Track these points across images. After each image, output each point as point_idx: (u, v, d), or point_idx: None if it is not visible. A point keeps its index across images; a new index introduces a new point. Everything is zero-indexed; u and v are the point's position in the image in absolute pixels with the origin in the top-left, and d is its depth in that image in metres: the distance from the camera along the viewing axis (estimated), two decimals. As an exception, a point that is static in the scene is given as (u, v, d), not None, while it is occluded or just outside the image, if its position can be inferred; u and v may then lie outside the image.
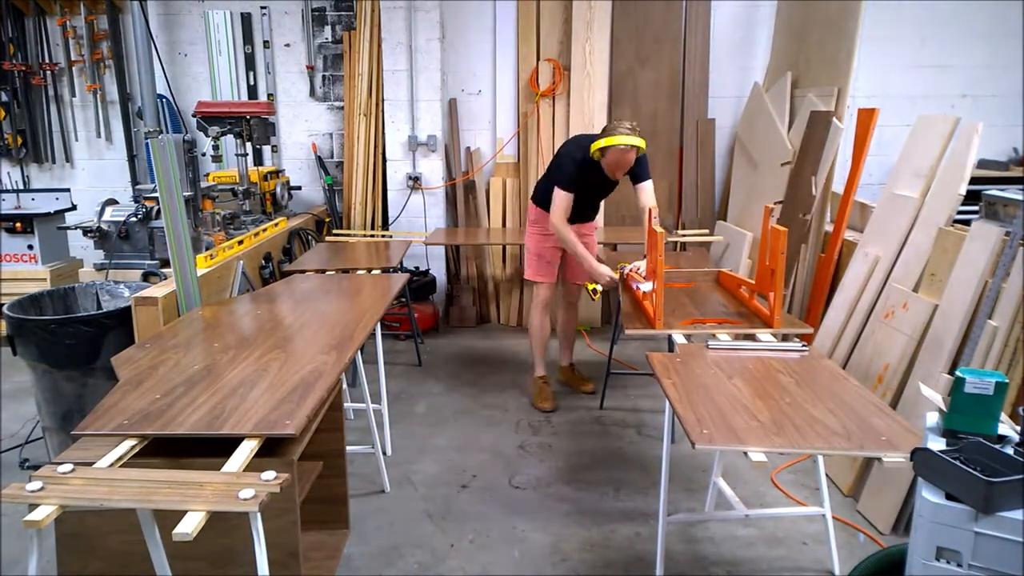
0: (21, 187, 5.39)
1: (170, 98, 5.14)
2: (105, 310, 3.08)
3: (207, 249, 3.50)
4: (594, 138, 3.39)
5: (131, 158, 5.49)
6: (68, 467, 1.54)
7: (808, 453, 2.85)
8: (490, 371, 4.39)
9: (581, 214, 3.68)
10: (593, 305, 5.16)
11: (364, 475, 3.07)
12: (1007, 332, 2.50)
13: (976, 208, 2.82)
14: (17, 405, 3.73)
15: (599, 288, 3.40)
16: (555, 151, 3.79)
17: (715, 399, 2.01)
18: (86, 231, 3.69)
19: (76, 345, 2.83)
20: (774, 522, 2.76)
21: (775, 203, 4.15)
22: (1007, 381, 1.48)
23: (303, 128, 5.52)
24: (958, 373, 1.49)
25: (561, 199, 3.46)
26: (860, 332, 3.25)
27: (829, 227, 3.93)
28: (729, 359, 2.34)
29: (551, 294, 3.84)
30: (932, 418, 1.59)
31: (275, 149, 5.40)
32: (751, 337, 2.61)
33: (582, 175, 3.45)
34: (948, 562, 1.35)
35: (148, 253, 3.66)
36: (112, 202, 3.82)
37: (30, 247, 4.66)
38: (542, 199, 3.67)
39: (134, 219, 3.66)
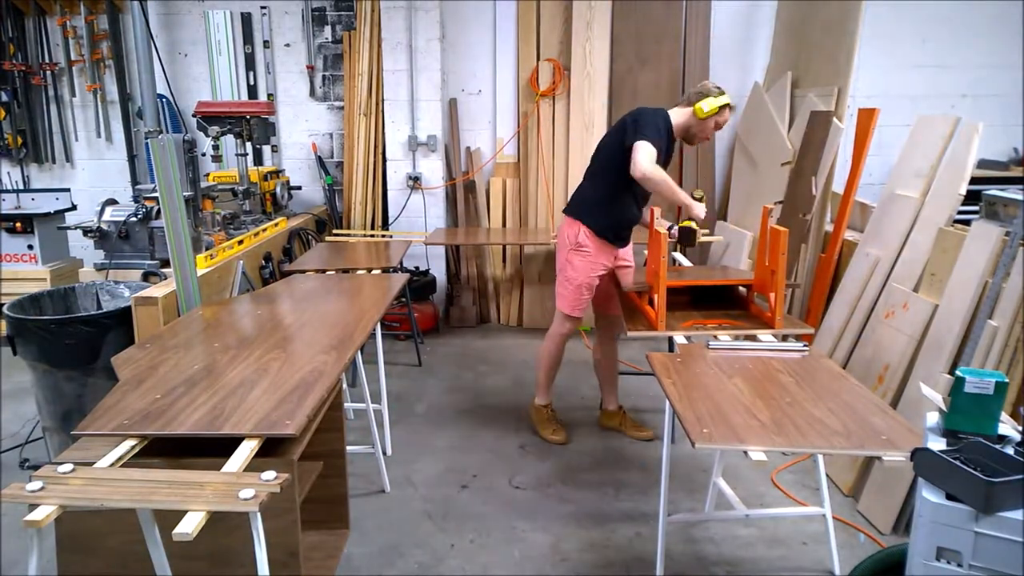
0: (21, 187, 5.38)
1: (170, 98, 5.14)
2: (105, 310, 3.08)
3: (207, 249, 3.50)
4: (660, 111, 3.08)
5: (131, 158, 5.49)
6: (68, 467, 1.54)
7: (808, 452, 2.86)
8: (490, 371, 4.39)
9: (630, 216, 3.24)
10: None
11: (364, 475, 3.07)
12: (1007, 332, 2.50)
13: (976, 208, 2.82)
14: (17, 405, 3.73)
15: (694, 226, 3.06)
16: (608, 130, 3.25)
17: (715, 399, 2.01)
18: (86, 231, 3.68)
19: (76, 345, 2.82)
20: (774, 522, 2.76)
21: (775, 203, 4.14)
22: (1007, 381, 1.48)
23: (303, 128, 5.52)
24: (958, 373, 1.49)
25: (649, 150, 2.89)
26: (860, 332, 3.25)
27: (829, 227, 3.93)
28: (729, 359, 2.34)
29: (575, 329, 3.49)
30: (932, 418, 1.58)
31: (275, 149, 5.40)
32: (752, 337, 2.61)
33: (667, 143, 3.07)
34: (948, 562, 1.35)
35: (148, 253, 3.66)
36: (112, 202, 3.81)
37: (30, 247, 4.66)
38: (591, 209, 3.20)
39: (134, 219, 3.66)
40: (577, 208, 3.25)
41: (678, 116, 3.12)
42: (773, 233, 2.63)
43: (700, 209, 2.98)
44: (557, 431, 3.46)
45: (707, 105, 3.03)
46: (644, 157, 2.88)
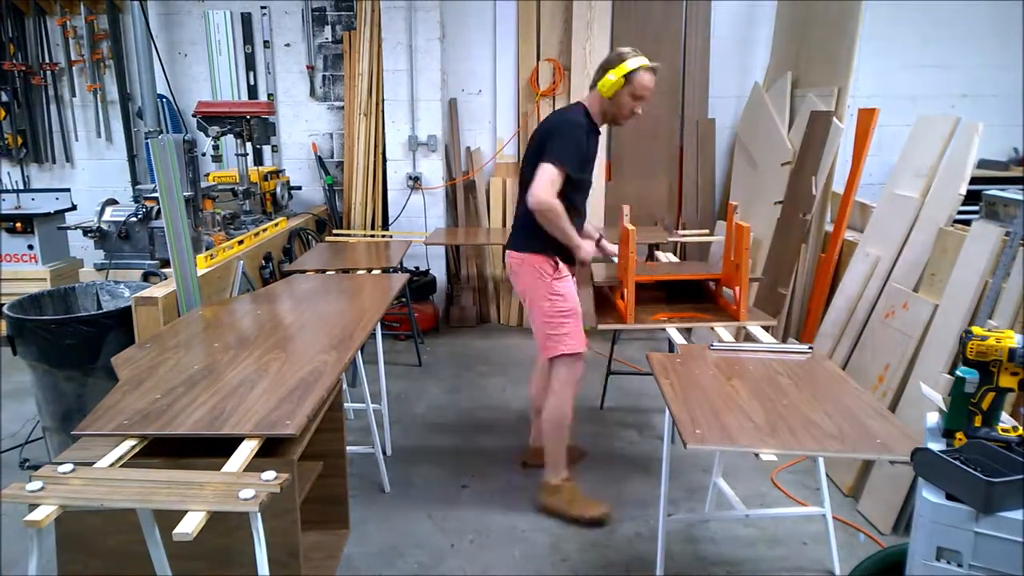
0: (21, 187, 5.39)
1: (170, 98, 5.13)
2: (105, 310, 3.08)
3: (207, 249, 3.50)
4: (573, 110, 2.69)
5: (131, 158, 5.49)
6: (68, 467, 1.54)
7: (802, 455, 2.86)
8: (490, 371, 4.39)
9: (574, 220, 2.69)
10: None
11: (364, 475, 3.07)
12: (1007, 332, 2.50)
13: (976, 208, 2.82)
14: (17, 405, 3.73)
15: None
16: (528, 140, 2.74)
17: (711, 400, 2.01)
18: (86, 231, 3.69)
19: (76, 345, 2.82)
20: (774, 522, 2.76)
21: (775, 203, 4.15)
22: (1007, 381, 1.48)
23: (303, 128, 5.52)
24: (958, 373, 1.49)
25: (551, 175, 2.51)
26: (860, 332, 3.24)
27: (829, 227, 3.93)
28: (730, 360, 2.34)
29: None
30: (932, 418, 1.58)
31: (275, 149, 5.40)
32: (751, 338, 2.62)
33: (588, 146, 2.63)
34: (948, 562, 1.35)
35: (148, 253, 3.66)
36: (112, 202, 3.82)
37: (30, 247, 4.66)
38: (541, 237, 2.64)
39: (134, 219, 3.66)
40: (527, 240, 2.72)
41: (591, 103, 2.67)
42: (738, 229, 2.71)
43: (586, 252, 2.68)
44: (595, 503, 2.78)
45: (613, 75, 2.55)
46: (542, 185, 2.52)
